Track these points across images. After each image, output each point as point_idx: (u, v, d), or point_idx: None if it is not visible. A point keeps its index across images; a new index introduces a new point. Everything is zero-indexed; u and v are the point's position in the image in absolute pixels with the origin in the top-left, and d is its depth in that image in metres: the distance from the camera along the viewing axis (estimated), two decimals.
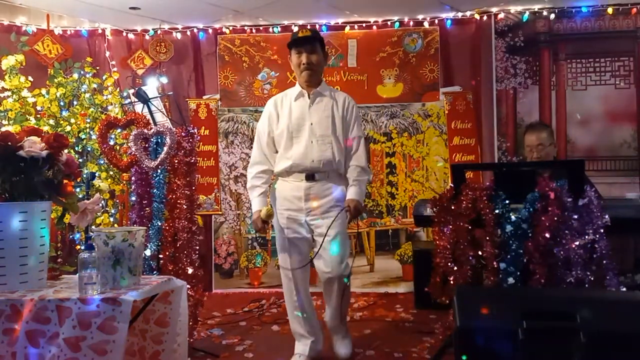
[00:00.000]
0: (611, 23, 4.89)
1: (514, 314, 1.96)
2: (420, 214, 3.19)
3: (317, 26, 5.21)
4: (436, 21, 5.15)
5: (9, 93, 4.54)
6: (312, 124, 3.05)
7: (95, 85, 4.78)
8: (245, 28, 5.29)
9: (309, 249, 3.14)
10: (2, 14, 4.96)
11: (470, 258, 2.67)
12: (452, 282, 2.71)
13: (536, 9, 4.94)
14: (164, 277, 2.31)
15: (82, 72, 4.77)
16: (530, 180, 2.62)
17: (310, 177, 3.03)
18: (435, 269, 2.79)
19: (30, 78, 4.62)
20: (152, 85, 4.64)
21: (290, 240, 3.08)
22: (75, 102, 4.73)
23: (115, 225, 4.63)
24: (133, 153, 3.08)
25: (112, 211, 4.73)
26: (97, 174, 4.49)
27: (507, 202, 2.61)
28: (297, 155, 3.03)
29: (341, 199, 3.05)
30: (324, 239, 2.94)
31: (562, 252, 2.49)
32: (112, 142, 4.38)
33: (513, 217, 2.57)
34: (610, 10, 4.83)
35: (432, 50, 5.15)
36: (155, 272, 3.04)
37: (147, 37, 5.34)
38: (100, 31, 5.35)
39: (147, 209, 3.15)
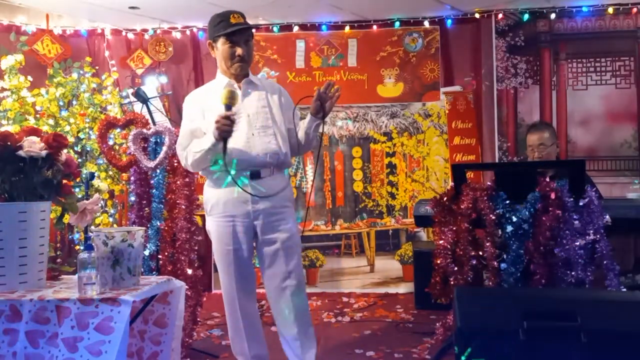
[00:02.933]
0: (612, 23, 4.88)
1: (514, 315, 1.96)
2: (420, 214, 3.19)
3: (317, 25, 5.20)
4: (437, 20, 5.14)
5: (9, 93, 4.52)
6: (249, 115, 2.70)
7: (94, 85, 4.77)
8: None
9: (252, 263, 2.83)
10: (2, 14, 4.95)
11: (471, 258, 2.67)
12: (452, 282, 2.71)
13: (537, 9, 4.93)
14: (163, 278, 2.30)
15: (81, 72, 4.76)
16: (531, 180, 2.62)
17: (256, 174, 2.67)
18: (435, 269, 2.79)
19: (29, 78, 4.61)
20: (151, 85, 4.65)
21: (234, 254, 2.71)
22: (74, 102, 4.73)
23: (115, 225, 4.63)
24: (132, 153, 3.07)
25: (112, 211, 4.72)
26: (96, 174, 4.48)
27: (507, 202, 2.61)
28: (239, 150, 2.65)
29: (291, 199, 2.82)
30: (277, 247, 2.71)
31: (562, 253, 2.48)
32: (111, 142, 4.37)
33: (514, 218, 2.56)
34: (610, 10, 4.83)
35: (432, 50, 5.14)
36: (154, 272, 3.03)
37: (146, 36, 5.33)
38: (99, 31, 5.34)
39: (146, 209, 3.14)
